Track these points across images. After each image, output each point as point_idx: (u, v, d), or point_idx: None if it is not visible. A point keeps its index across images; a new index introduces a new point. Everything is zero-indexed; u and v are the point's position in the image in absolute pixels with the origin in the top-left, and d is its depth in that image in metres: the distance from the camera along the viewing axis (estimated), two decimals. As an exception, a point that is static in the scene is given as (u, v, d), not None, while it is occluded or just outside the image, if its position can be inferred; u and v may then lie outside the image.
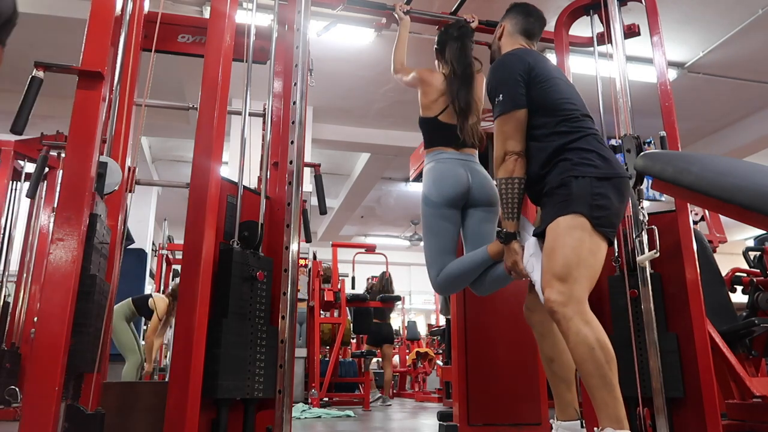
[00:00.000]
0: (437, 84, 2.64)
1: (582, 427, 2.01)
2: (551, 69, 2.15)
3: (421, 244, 2.51)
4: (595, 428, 1.78)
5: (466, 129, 2.54)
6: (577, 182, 1.90)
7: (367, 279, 8.96)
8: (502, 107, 2.05)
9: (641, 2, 2.80)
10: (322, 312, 7.01)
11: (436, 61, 2.81)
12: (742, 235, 12.17)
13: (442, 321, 10.06)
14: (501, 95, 2.05)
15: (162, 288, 6.91)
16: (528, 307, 2.13)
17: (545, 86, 2.06)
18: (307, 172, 5.30)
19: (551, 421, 2.12)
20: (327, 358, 7.14)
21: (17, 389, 3.98)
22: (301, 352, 6.94)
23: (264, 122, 2.38)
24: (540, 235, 1.98)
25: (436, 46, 2.80)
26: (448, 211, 2.46)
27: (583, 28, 3.04)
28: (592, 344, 1.74)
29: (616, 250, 2.47)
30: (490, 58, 2.41)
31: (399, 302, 9.01)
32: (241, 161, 2.19)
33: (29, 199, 5.14)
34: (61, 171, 4.28)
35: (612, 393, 1.73)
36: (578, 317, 1.78)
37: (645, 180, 2.45)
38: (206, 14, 3.95)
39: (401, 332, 12.41)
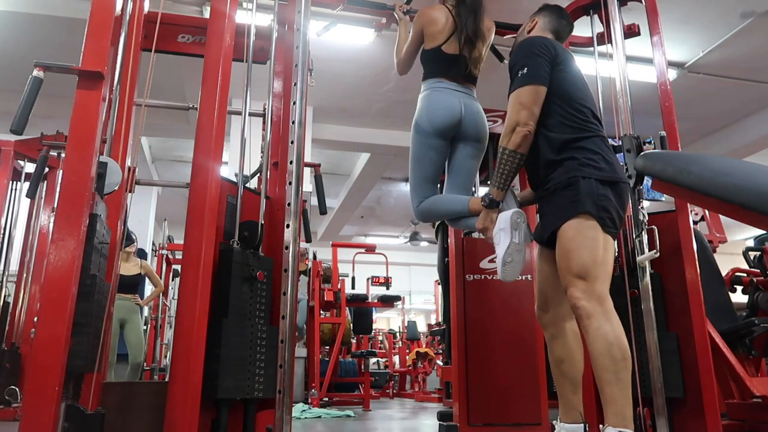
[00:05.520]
0: (441, 16, 2.55)
1: (585, 431, 2.01)
2: (573, 66, 2.17)
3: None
4: (600, 425, 1.79)
5: (471, 58, 2.49)
6: (583, 183, 1.93)
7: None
8: (524, 80, 2.04)
9: (641, 2, 2.80)
10: (322, 312, 7.01)
11: None
12: (742, 235, 12.16)
13: (442, 321, 10.05)
14: (525, 68, 2.05)
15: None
16: (540, 308, 2.14)
17: (564, 75, 2.08)
18: (307, 172, 5.30)
19: (553, 422, 2.12)
20: (327, 358, 7.13)
21: (17, 389, 3.97)
22: (301, 352, 6.94)
23: (264, 122, 2.38)
24: (550, 237, 1.99)
25: None
26: (437, 141, 2.44)
27: (583, 28, 3.03)
28: (611, 340, 1.79)
29: (617, 250, 2.47)
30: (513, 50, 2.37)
31: (399, 302, 9.01)
32: (241, 161, 2.20)
33: (29, 199, 5.14)
34: (61, 171, 4.28)
35: (623, 391, 1.78)
36: (601, 314, 1.83)
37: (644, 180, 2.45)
38: (206, 14, 3.94)
39: (401, 332, 12.40)
